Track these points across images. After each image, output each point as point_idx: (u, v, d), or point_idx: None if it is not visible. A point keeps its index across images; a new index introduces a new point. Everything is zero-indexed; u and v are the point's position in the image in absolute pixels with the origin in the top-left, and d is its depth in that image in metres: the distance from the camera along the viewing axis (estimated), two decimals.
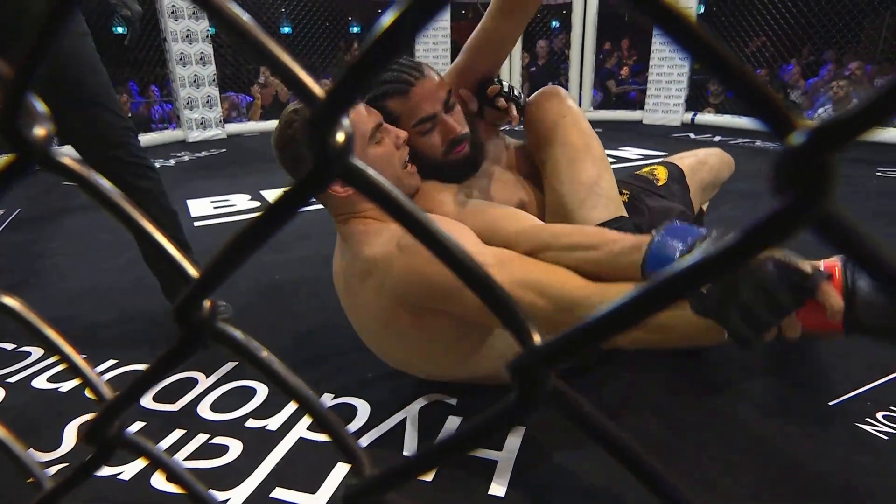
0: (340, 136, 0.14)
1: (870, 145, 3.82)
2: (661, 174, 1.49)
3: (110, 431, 0.21)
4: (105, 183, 0.20)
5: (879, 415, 1.10)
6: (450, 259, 0.14)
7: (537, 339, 0.14)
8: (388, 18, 0.12)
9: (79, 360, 0.22)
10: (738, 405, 1.14)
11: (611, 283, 0.81)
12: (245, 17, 0.14)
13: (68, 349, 0.22)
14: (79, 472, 0.22)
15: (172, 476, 0.22)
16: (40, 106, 0.19)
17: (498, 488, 0.94)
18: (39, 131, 0.19)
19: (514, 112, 1.20)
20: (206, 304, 0.18)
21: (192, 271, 0.17)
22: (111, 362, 1.40)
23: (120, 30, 7.50)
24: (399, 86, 1.09)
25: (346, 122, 0.14)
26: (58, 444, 1.10)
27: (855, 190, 2.89)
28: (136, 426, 1.16)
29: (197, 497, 0.24)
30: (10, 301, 0.22)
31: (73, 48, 1.32)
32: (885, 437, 1.03)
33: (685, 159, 1.59)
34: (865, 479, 0.94)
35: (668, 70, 5.37)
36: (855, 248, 0.10)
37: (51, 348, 0.22)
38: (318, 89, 0.14)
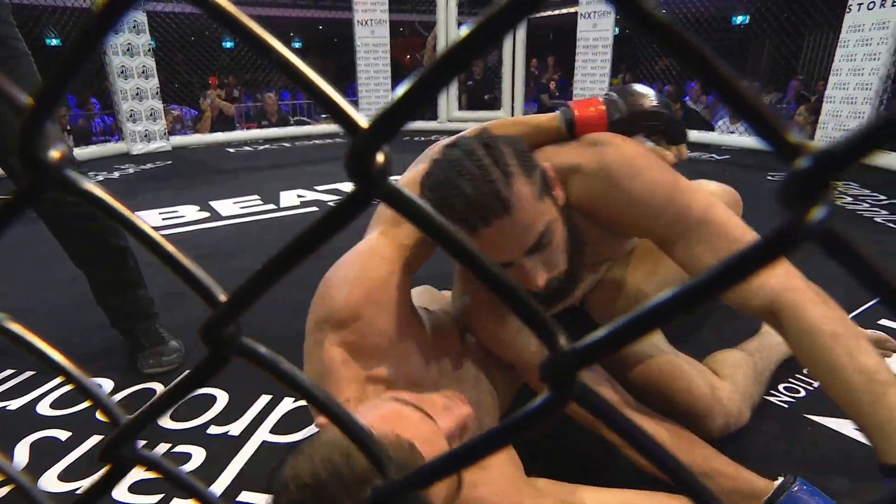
0: (381, 158, 0.14)
1: (761, 154, 4.12)
2: None
3: (125, 450, 0.20)
4: (114, 202, 0.19)
5: (781, 386, 1.19)
6: (492, 280, 0.14)
7: (563, 341, 0.14)
8: (456, 39, 0.13)
9: (89, 381, 0.21)
10: None
11: None
12: (292, 56, 0.14)
13: (77, 371, 0.21)
14: (95, 489, 0.20)
15: (189, 491, 0.21)
16: (54, 127, 0.18)
17: None
18: (55, 153, 0.17)
19: None
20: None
21: (221, 296, 0.17)
22: None
23: (54, 42, 6.99)
24: (474, 221, 0.72)
25: (386, 148, 0.14)
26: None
27: (750, 192, 3.08)
28: (94, 440, 1.08)
29: None
30: (13, 325, 0.20)
31: (18, 70, 1.20)
32: (786, 406, 1.12)
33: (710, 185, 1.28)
34: (772, 444, 1.01)
35: (591, 85, 5.55)
36: (853, 260, 0.11)
37: (57, 371, 0.21)
38: (361, 120, 0.14)
